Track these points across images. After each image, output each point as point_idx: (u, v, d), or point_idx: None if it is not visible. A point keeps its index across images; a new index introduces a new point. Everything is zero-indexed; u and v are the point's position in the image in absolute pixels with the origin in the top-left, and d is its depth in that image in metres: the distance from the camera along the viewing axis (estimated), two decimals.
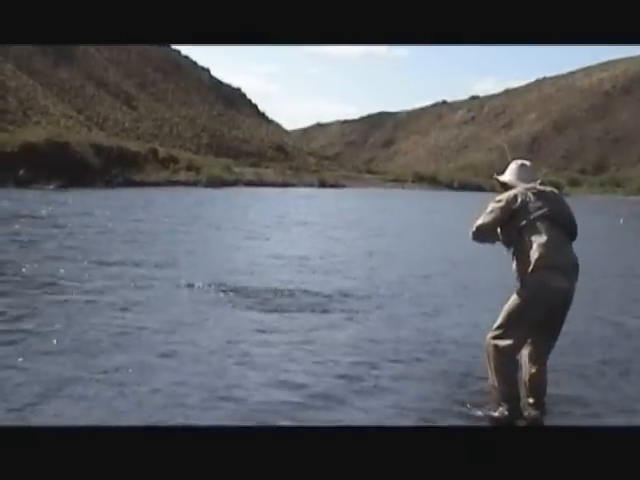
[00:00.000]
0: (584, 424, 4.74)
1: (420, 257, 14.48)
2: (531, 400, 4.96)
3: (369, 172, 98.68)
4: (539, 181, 5.02)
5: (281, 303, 8.32)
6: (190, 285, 9.13)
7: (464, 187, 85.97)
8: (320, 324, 7.38)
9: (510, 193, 4.90)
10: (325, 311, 8.05)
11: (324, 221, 23.25)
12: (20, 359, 5.54)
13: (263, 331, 6.92)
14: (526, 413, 4.85)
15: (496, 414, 4.81)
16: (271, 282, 9.68)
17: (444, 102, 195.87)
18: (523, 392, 4.94)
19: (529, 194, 4.82)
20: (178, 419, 4.42)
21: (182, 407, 4.68)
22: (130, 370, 5.41)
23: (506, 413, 4.78)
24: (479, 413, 4.86)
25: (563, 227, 4.83)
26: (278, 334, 6.83)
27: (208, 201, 31.86)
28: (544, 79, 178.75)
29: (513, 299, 4.79)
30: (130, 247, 13.26)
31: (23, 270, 9.75)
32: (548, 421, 4.84)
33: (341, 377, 5.51)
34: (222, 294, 8.68)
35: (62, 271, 9.78)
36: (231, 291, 8.86)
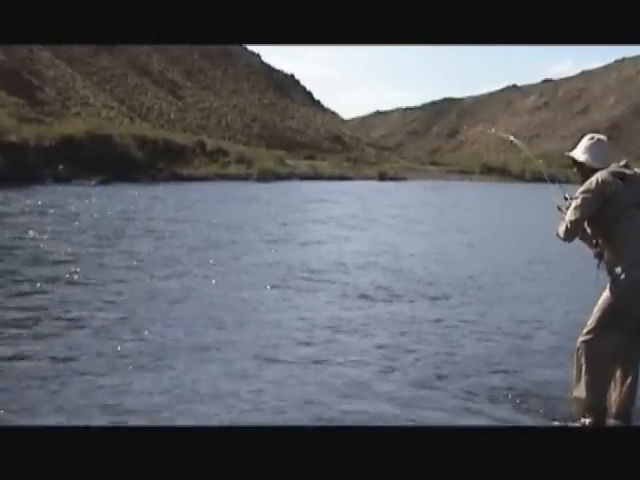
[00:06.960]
0: None
1: (503, 250, 15.77)
2: (617, 408, 4.54)
3: (433, 163, 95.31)
4: (623, 162, 4.59)
5: (392, 288, 9.80)
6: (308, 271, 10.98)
7: (536, 178, 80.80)
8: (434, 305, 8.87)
9: (597, 180, 4.48)
10: (432, 297, 9.35)
11: (405, 215, 24.19)
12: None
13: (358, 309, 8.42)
14: (610, 422, 4.53)
15: (577, 425, 4.58)
16: (380, 270, 11.51)
17: (514, 86, 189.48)
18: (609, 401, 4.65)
19: (617, 180, 4.44)
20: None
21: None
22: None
23: (588, 425, 4.50)
24: (555, 424, 4.66)
25: None
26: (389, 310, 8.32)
27: (282, 195, 32.26)
28: (624, 60, 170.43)
29: (605, 298, 4.50)
30: (249, 237, 15.56)
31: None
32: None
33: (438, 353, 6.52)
34: (341, 283, 10.05)
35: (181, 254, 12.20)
36: (341, 278, 10.54)
